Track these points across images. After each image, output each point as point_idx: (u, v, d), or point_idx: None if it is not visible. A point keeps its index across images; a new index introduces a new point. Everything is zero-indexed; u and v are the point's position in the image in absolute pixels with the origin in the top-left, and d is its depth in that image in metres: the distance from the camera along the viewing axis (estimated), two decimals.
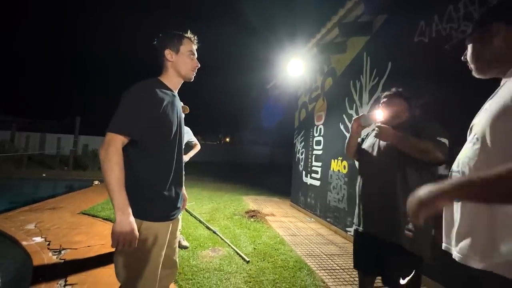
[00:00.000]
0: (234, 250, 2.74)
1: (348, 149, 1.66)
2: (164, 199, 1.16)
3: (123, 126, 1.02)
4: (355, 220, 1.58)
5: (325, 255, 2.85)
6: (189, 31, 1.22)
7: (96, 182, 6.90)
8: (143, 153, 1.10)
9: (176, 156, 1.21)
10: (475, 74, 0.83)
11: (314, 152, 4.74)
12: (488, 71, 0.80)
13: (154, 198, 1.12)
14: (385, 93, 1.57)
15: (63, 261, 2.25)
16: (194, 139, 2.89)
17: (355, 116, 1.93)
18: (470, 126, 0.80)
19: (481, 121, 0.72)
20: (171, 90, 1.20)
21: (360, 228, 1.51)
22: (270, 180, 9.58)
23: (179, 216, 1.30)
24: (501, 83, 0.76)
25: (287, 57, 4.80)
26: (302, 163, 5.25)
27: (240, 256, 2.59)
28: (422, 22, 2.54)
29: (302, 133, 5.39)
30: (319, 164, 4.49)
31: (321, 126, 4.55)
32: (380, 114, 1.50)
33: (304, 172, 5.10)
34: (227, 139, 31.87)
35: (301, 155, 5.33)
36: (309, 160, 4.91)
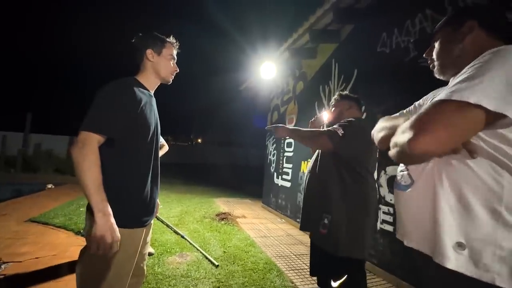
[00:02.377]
0: (203, 254, 2.65)
1: (313, 151, 1.76)
2: (140, 204, 1.09)
3: (99, 124, 0.96)
4: None
5: (294, 255, 2.90)
6: (171, 36, 1.24)
7: (49, 186, 6.21)
8: (119, 155, 1.03)
9: (154, 159, 1.16)
10: (436, 73, 0.80)
11: (286, 154, 4.82)
12: (450, 71, 0.75)
13: (128, 203, 1.05)
14: (333, 97, 1.79)
15: (3, 276, 1.97)
16: (161, 140, 2.76)
17: None
18: None
19: None
20: (148, 90, 1.17)
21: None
22: (242, 182, 9.54)
23: (151, 221, 1.24)
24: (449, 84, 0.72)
25: (260, 60, 4.83)
26: (273, 165, 5.32)
27: (209, 260, 2.52)
28: (384, 33, 2.73)
29: (274, 135, 5.45)
30: (290, 165, 4.58)
31: None
32: (325, 115, 1.79)
33: (275, 174, 5.17)
34: (199, 140, 31.13)
35: (273, 156, 5.39)
36: (281, 162, 4.98)
